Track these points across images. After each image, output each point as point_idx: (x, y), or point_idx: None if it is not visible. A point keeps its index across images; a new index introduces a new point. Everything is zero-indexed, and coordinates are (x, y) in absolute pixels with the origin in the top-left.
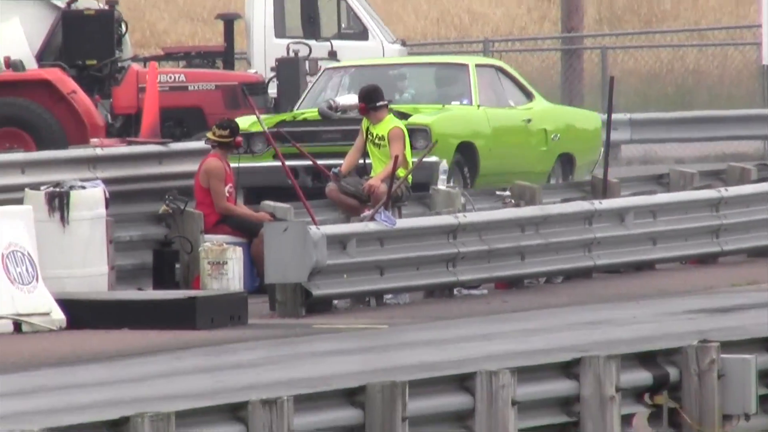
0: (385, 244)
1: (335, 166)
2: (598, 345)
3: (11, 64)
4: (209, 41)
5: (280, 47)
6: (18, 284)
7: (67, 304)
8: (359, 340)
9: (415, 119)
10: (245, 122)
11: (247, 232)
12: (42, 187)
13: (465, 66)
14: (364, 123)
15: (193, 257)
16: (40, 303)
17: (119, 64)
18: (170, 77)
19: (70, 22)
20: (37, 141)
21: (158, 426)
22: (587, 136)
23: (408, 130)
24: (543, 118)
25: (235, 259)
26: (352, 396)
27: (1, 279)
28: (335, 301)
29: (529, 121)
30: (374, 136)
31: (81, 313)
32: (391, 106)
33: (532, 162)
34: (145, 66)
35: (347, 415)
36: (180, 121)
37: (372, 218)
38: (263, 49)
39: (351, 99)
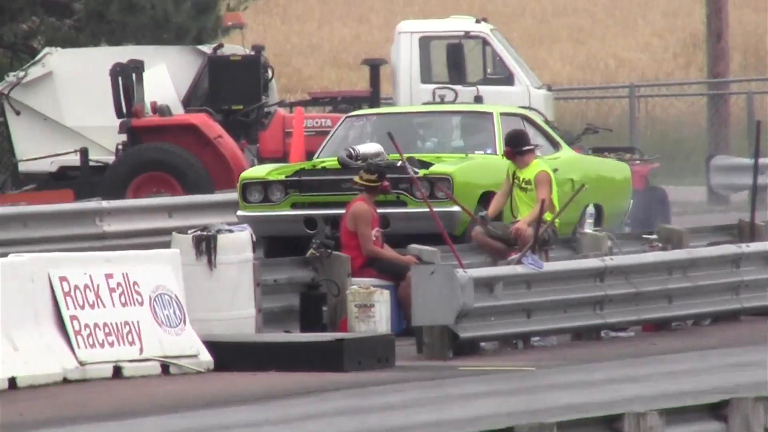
0: (532, 286)
1: (482, 210)
2: (746, 387)
3: (158, 110)
4: (355, 86)
5: (425, 92)
6: (165, 327)
7: (214, 346)
8: (507, 382)
9: (437, 168)
10: (263, 171)
11: (394, 275)
12: (189, 231)
13: (489, 114)
14: (510, 167)
15: (340, 300)
16: (188, 345)
17: (265, 109)
18: (316, 122)
19: (216, 68)
20: (184, 185)
21: None
22: (616, 186)
23: (430, 179)
24: (570, 168)
25: (383, 301)
26: None
27: (149, 322)
28: (482, 344)
29: (555, 170)
30: (520, 180)
31: (228, 355)
32: (413, 155)
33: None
34: (291, 111)
35: None
36: None
37: (519, 261)
38: (409, 94)
39: (371, 147)
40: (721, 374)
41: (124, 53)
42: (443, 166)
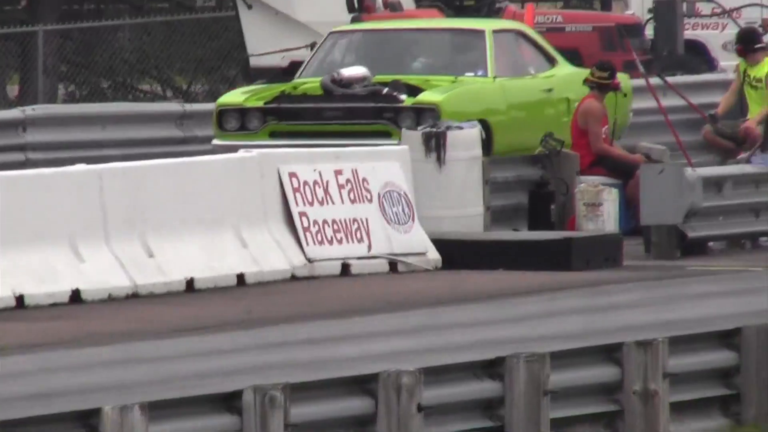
0: (760, 186)
1: (712, 108)
2: None
3: (389, 5)
4: None
5: None
6: (394, 224)
7: (442, 244)
8: (735, 282)
9: (424, 97)
10: (240, 97)
11: (623, 174)
12: (419, 127)
13: (481, 32)
14: (741, 65)
15: (569, 198)
16: (416, 243)
17: (497, 5)
18: (547, 18)
19: None
20: None
21: (532, 367)
22: (615, 100)
23: (416, 108)
24: (565, 86)
25: (611, 200)
26: (727, 338)
27: (377, 219)
28: (710, 243)
29: (550, 90)
30: (751, 78)
31: (456, 253)
32: (399, 76)
33: None
34: (522, 7)
35: (723, 357)
36: None
37: (748, 160)
38: None
39: (357, 71)
40: None
41: None
42: (430, 94)
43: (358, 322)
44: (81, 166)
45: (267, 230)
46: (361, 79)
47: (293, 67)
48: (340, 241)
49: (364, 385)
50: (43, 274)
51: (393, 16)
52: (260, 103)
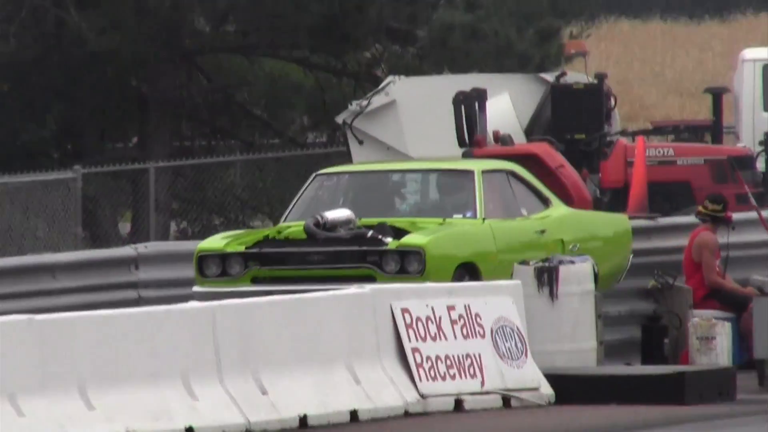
0: None
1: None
2: None
3: (500, 139)
4: (697, 115)
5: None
6: (507, 359)
7: (555, 378)
8: None
9: (408, 240)
10: (220, 242)
11: (736, 307)
12: (531, 262)
13: (470, 173)
14: None
15: (682, 332)
16: (529, 378)
17: (607, 139)
18: (658, 151)
19: (559, 96)
20: None
21: None
22: (613, 243)
23: (401, 252)
24: (560, 227)
25: (724, 334)
26: None
27: (490, 354)
28: None
29: (542, 232)
30: None
31: (569, 388)
32: (385, 219)
33: None
34: (632, 140)
35: None
36: (667, 195)
37: None
38: (751, 122)
39: (341, 213)
40: None
41: (467, 81)
42: (415, 237)
43: None
44: (194, 304)
45: (380, 366)
46: (346, 222)
47: None
48: (453, 377)
49: None
50: (157, 412)
51: (504, 151)
52: (241, 248)
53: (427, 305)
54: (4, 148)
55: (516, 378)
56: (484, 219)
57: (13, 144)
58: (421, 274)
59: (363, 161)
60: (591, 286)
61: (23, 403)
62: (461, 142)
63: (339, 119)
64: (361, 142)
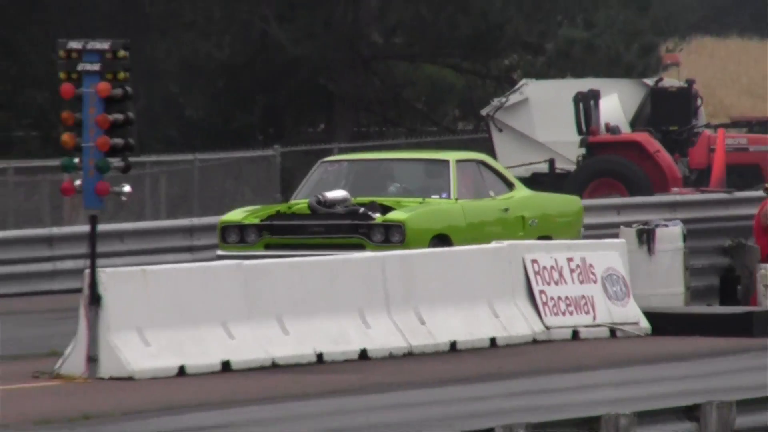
0: None
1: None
2: None
3: (610, 129)
4: (766, 113)
5: None
6: (614, 300)
7: (651, 316)
8: None
9: (391, 215)
10: (240, 215)
11: None
12: (633, 225)
13: (446, 162)
14: None
15: (751, 281)
16: (631, 315)
17: (695, 130)
18: (735, 141)
19: (657, 97)
20: (629, 189)
21: (722, 412)
22: (566, 218)
23: (385, 225)
24: (521, 206)
25: None
26: None
27: (600, 295)
28: None
29: (506, 210)
30: None
31: (662, 323)
32: (377, 199)
33: None
34: (714, 132)
35: None
36: (741, 175)
37: None
38: None
39: (338, 194)
40: None
41: (585, 84)
42: (397, 213)
43: (585, 375)
44: (368, 253)
45: (514, 304)
46: (342, 201)
47: (535, 178)
48: (571, 313)
49: (590, 425)
50: (337, 337)
51: (613, 138)
52: (256, 221)
53: (551, 257)
54: (219, 132)
55: (621, 314)
56: (456, 199)
57: (227, 128)
58: (402, 243)
59: (366, 152)
60: (681, 244)
61: (233, 328)
62: (579, 131)
63: (483, 112)
64: (500, 131)
